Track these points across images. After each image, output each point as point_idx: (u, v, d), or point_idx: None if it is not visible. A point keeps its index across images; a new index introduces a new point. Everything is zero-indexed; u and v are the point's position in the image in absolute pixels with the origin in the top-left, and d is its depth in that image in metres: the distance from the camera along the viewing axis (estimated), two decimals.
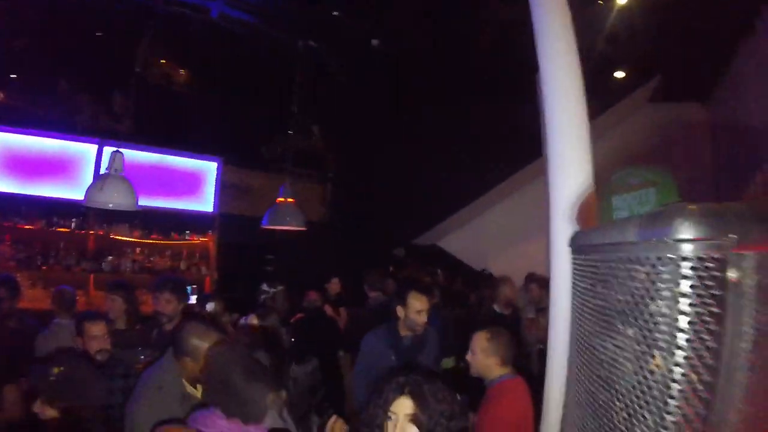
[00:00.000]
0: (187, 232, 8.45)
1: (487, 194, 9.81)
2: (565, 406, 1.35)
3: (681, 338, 0.86)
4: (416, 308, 4.06)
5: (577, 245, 1.31)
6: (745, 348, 0.84)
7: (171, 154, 8.44)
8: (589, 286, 1.22)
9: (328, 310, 6.32)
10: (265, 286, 4.92)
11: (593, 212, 2.46)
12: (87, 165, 7.75)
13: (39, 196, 7.63)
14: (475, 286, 8.24)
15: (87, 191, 5.03)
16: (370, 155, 9.52)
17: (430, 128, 8.66)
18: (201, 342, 2.79)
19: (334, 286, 6.95)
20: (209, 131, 8.45)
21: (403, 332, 4.19)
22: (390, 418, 2.13)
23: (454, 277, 9.57)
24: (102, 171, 5.31)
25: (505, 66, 6.97)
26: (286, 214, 6.43)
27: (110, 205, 4.98)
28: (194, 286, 7.59)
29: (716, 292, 0.83)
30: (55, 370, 2.65)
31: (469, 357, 3.56)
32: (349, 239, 9.42)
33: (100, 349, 3.66)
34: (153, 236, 8.22)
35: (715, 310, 0.84)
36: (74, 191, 7.36)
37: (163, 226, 8.30)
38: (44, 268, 7.47)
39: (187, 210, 8.48)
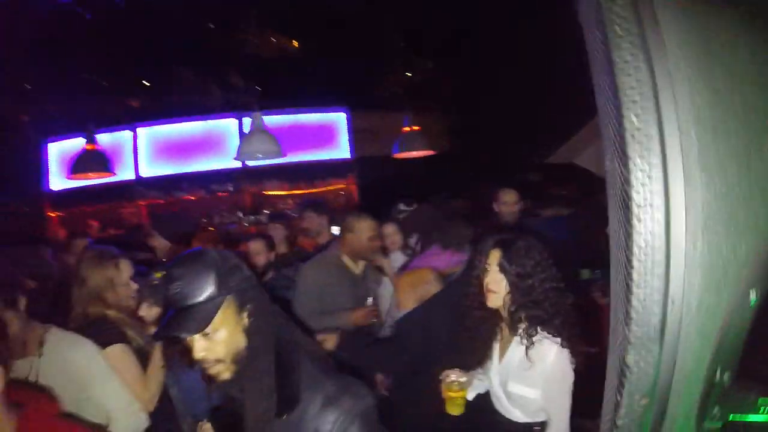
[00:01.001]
0: (330, 179, 9.48)
1: None
2: None
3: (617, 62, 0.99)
4: (503, 200, 4.72)
5: None
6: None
7: (301, 113, 9.45)
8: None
9: None
10: (401, 205, 5.55)
11: None
12: (231, 137, 9.01)
13: (196, 171, 9.11)
14: None
15: (238, 148, 5.98)
16: (489, 76, 9.67)
17: (547, 33, 8.64)
18: (359, 220, 3.62)
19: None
20: (330, 85, 9.25)
21: None
22: (486, 269, 2.49)
23: (595, 192, 9.56)
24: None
25: None
26: (412, 141, 7.06)
27: (259, 155, 5.87)
28: None
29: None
30: (157, 275, 2.92)
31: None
32: (480, 167, 9.73)
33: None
34: (300, 187, 9.35)
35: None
36: (225, 161, 8.62)
37: (307, 177, 9.39)
38: (211, 229, 8.81)
39: (326, 159, 9.51)
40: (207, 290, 1.48)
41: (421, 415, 2.86)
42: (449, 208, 3.21)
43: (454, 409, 2.57)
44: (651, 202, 0.98)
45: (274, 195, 9.31)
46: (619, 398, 1.04)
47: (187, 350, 1.54)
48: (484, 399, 2.66)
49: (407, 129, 7.08)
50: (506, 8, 8.34)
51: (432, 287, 3.08)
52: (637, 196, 0.99)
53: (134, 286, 2.86)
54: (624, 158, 1.00)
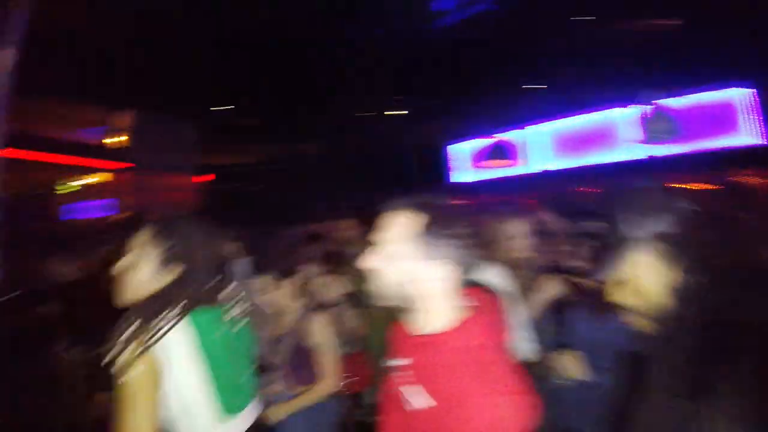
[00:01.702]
0: (742, 166, 8.49)
1: None
2: None
3: None
4: None
5: None
6: None
7: (701, 92, 8.58)
8: None
9: None
10: None
11: None
12: (629, 126, 8.70)
13: (594, 164, 9.47)
14: None
15: (638, 136, 5.99)
16: None
17: None
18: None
19: None
20: (729, 61, 8.36)
21: None
22: None
23: None
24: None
25: None
26: None
27: (660, 139, 5.80)
28: None
29: None
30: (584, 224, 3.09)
31: None
32: None
33: None
34: (705, 178, 8.63)
35: None
36: (624, 152, 8.69)
37: (713, 165, 8.56)
38: None
39: (735, 146, 8.50)
40: (633, 228, 1.29)
41: None
42: None
43: None
44: None
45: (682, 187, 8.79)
46: None
47: (603, 291, 1.36)
48: None
49: None
50: None
51: None
52: None
53: (526, 241, 3.16)
54: None
